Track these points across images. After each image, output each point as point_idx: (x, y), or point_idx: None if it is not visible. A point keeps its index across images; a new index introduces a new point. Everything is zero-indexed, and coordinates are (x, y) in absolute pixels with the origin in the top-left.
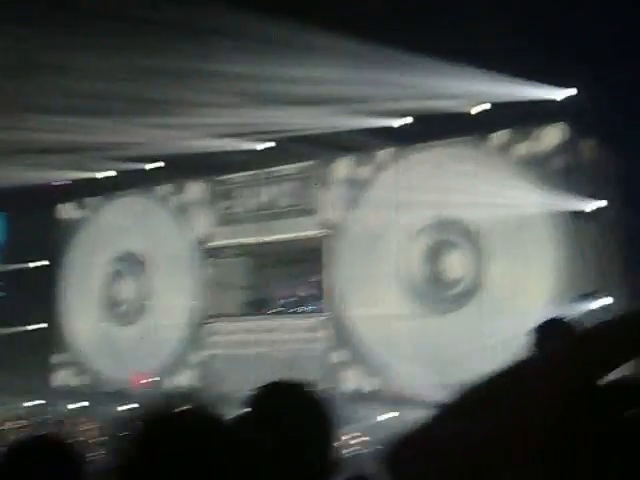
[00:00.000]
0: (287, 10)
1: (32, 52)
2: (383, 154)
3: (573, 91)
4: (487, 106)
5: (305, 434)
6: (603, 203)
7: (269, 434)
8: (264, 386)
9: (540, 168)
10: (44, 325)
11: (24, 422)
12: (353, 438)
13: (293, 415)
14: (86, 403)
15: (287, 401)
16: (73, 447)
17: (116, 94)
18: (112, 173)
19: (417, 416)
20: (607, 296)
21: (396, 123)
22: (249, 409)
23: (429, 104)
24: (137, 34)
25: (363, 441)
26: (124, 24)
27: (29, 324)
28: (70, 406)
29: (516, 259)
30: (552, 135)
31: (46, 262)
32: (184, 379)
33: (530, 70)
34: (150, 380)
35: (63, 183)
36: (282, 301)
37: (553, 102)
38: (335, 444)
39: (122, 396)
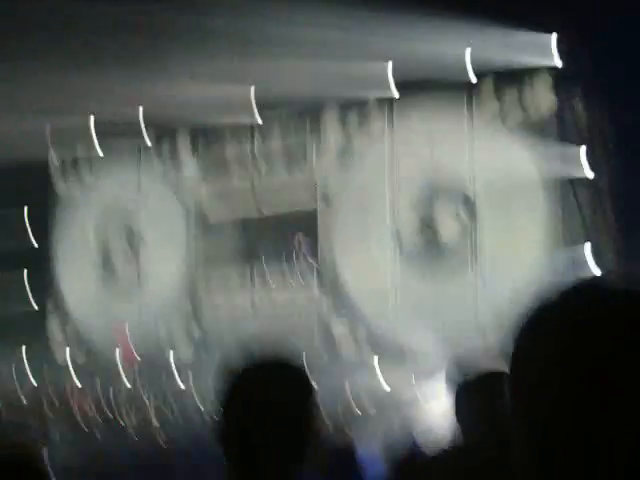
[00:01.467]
0: None
1: None
2: (371, 106)
3: (563, 53)
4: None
5: (291, 410)
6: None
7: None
8: (249, 364)
9: (532, 131)
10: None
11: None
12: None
13: (279, 393)
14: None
15: (272, 378)
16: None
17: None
18: (105, 144)
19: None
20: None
21: (382, 72)
22: (236, 388)
23: (416, 54)
24: None
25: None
26: None
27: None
28: (70, 382)
29: (509, 225)
30: (544, 98)
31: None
32: (181, 351)
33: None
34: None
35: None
36: (276, 268)
37: (545, 65)
38: (318, 417)
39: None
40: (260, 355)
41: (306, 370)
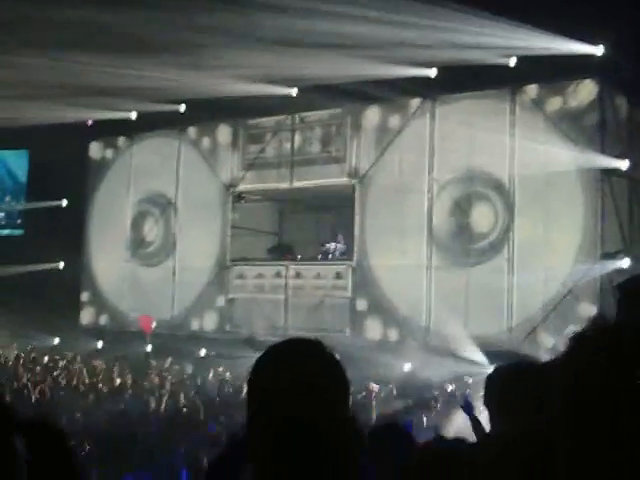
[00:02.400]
0: None
1: None
2: (414, 104)
3: (604, 47)
4: (519, 59)
5: (321, 398)
6: (628, 163)
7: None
8: (275, 347)
9: (572, 124)
10: (61, 264)
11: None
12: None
13: (308, 377)
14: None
15: (300, 362)
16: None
17: (146, 36)
18: (142, 113)
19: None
20: (630, 257)
21: (428, 73)
22: (261, 370)
23: (462, 54)
24: None
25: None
26: None
27: (51, 262)
28: (97, 345)
29: (544, 215)
30: (585, 91)
31: (64, 201)
32: (208, 322)
33: (564, 24)
34: (153, 325)
35: (92, 122)
36: (308, 247)
37: (587, 57)
38: (349, 403)
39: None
40: (291, 339)
41: (334, 355)
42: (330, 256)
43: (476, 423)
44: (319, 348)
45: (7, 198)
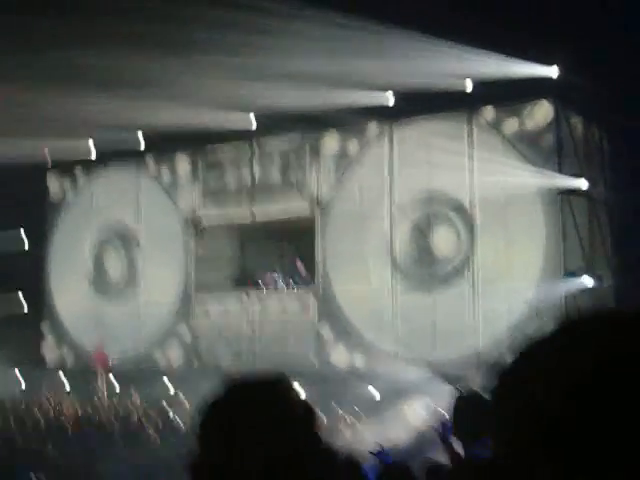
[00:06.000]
0: None
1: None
2: (371, 129)
3: (559, 69)
4: (474, 82)
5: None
6: (587, 182)
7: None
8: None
9: (529, 145)
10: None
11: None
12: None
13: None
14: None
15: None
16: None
17: (103, 66)
18: (99, 147)
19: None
20: (592, 275)
21: (385, 98)
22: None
23: (417, 80)
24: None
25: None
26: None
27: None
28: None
29: (506, 236)
30: (540, 112)
31: (24, 240)
32: (174, 354)
33: (518, 47)
34: (108, 359)
35: (49, 157)
36: (270, 275)
37: (541, 79)
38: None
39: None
40: (246, 375)
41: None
42: (287, 283)
43: (449, 448)
44: (274, 384)
45: None
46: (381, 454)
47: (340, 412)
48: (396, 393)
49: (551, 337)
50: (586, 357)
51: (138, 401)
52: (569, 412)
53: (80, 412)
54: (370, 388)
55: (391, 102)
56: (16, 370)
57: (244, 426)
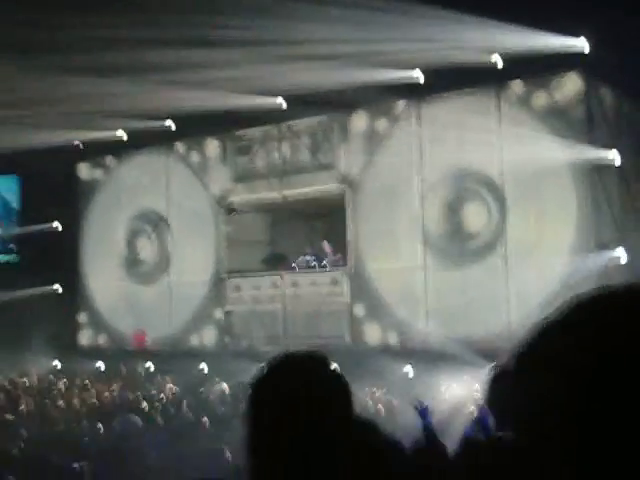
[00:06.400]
0: None
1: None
2: (400, 106)
3: (588, 40)
4: (502, 57)
5: (320, 409)
6: (618, 153)
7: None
8: (273, 361)
9: (559, 118)
10: (58, 287)
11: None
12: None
13: (307, 390)
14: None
15: (299, 375)
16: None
17: (132, 53)
18: (129, 132)
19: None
20: (625, 247)
21: (412, 75)
22: (261, 385)
23: (445, 55)
24: None
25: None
26: None
27: (47, 286)
28: (97, 365)
29: (537, 210)
30: (570, 84)
31: (58, 225)
32: (207, 336)
33: (546, 19)
34: (147, 339)
35: (80, 143)
36: (302, 256)
37: (570, 52)
38: (351, 415)
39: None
40: (289, 352)
41: (336, 368)
42: (320, 262)
43: (429, 431)
44: (317, 361)
45: (9, 222)
46: (425, 411)
47: (374, 390)
48: (429, 370)
49: (564, 316)
50: (596, 335)
51: (173, 382)
52: (580, 396)
53: (115, 394)
54: (405, 366)
55: (419, 79)
56: (51, 351)
57: (291, 401)
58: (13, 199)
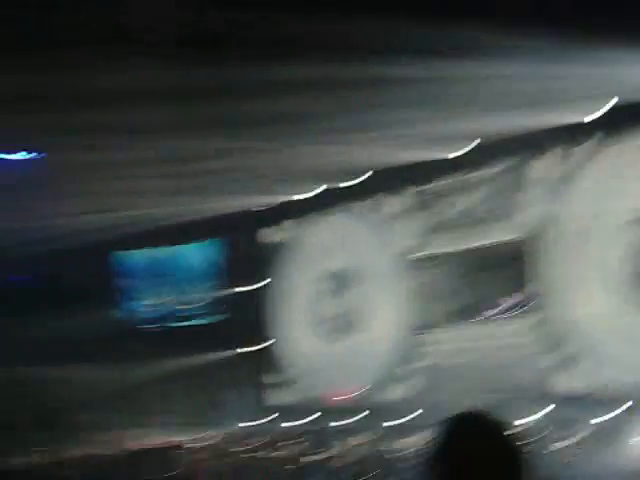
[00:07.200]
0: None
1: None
2: (581, 148)
3: None
4: None
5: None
6: None
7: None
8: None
9: None
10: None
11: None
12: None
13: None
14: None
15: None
16: None
17: (309, 114)
18: (312, 193)
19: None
20: None
21: (589, 118)
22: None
23: (626, 95)
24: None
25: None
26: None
27: (248, 345)
28: (284, 424)
29: None
30: None
31: (268, 281)
32: (396, 392)
33: None
34: (350, 395)
35: (268, 207)
36: (490, 308)
37: None
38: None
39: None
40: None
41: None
42: (505, 313)
43: None
44: (497, 422)
45: (202, 286)
46: None
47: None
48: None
49: None
50: None
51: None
52: None
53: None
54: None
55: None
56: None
57: (475, 457)
58: (212, 262)
